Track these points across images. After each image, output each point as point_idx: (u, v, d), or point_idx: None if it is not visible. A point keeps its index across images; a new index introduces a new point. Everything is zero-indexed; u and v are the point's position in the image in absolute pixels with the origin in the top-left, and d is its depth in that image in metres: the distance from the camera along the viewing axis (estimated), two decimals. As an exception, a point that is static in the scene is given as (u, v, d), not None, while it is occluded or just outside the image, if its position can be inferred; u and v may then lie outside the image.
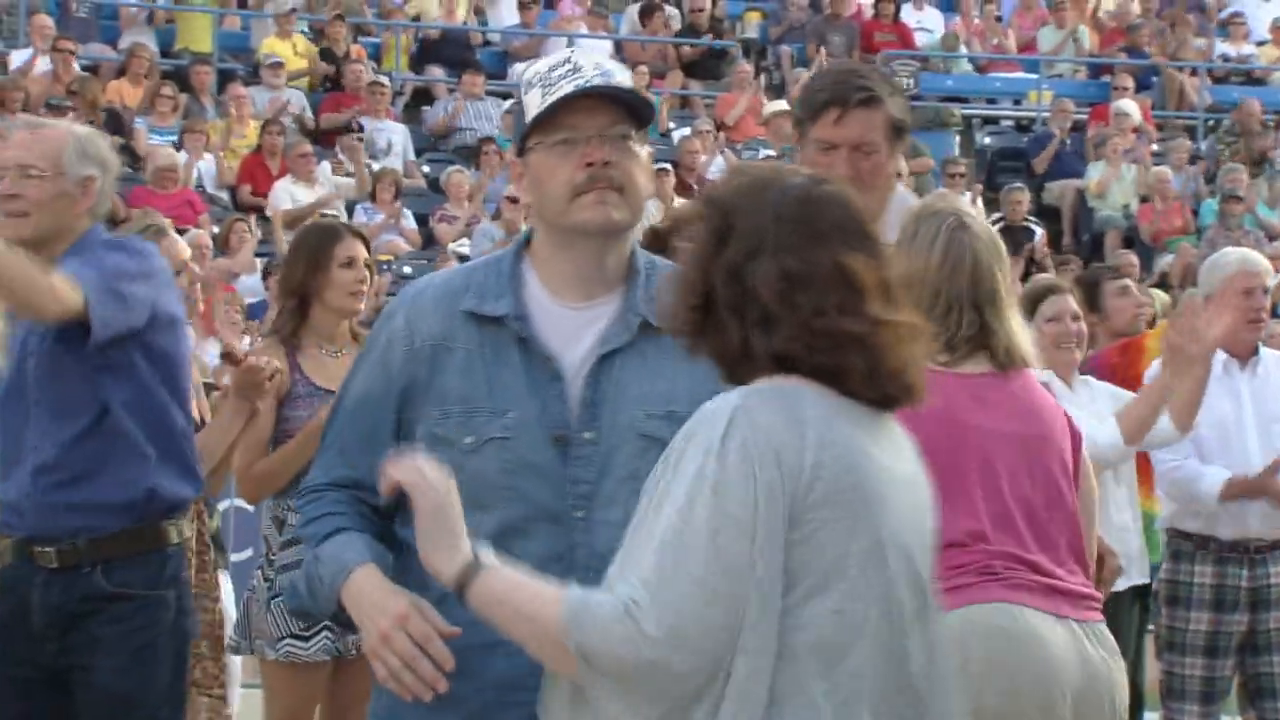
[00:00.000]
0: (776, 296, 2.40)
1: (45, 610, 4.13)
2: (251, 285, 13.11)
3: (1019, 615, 3.60)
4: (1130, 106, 17.17)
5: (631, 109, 2.92)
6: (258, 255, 13.43)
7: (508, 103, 16.66)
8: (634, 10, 18.27)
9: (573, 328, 2.90)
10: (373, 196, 14.56)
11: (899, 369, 2.44)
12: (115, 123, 14.92)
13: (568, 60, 2.94)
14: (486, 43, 18.18)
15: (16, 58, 15.61)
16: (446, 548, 2.49)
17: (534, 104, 2.91)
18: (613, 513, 2.77)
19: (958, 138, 17.73)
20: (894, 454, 2.49)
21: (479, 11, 18.41)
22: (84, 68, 15.69)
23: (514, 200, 14.26)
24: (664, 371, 2.88)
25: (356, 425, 2.95)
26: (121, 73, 15.83)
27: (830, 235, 2.43)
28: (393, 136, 15.88)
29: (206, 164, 14.89)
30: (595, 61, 2.95)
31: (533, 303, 2.92)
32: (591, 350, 2.89)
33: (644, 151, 2.94)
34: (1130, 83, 17.71)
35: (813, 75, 4.19)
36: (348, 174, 14.83)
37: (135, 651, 4.14)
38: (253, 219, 13.98)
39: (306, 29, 17.08)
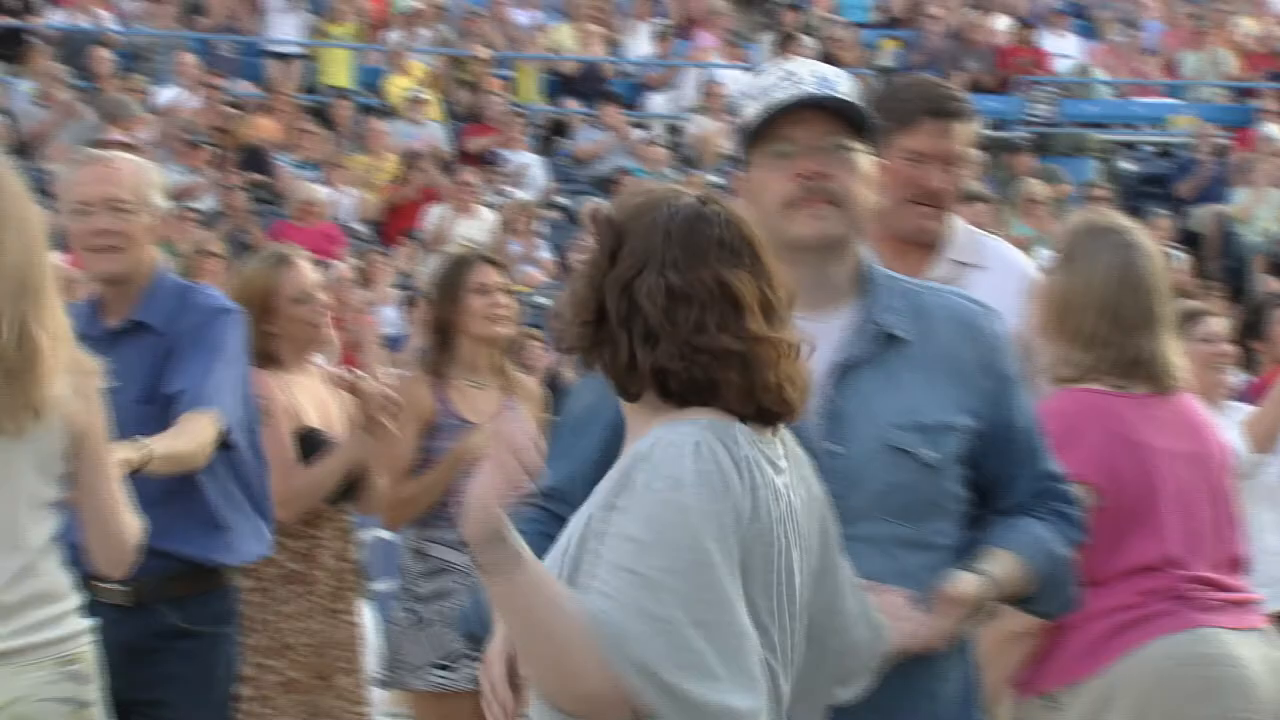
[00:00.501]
0: (660, 312, 2.42)
1: (115, 647, 3.99)
2: (390, 317, 13.24)
3: (1214, 638, 3.62)
4: (1276, 130, 16.89)
5: (851, 119, 2.86)
6: (397, 287, 13.56)
7: (641, 134, 16.72)
8: (770, 40, 18.26)
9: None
10: (509, 227, 14.65)
11: (776, 384, 2.44)
12: (257, 158, 15.15)
13: (786, 70, 2.89)
14: (622, 74, 18.25)
15: (163, 95, 15.89)
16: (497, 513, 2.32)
17: (751, 116, 2.86)
18: (864, 528, 2.72)
19: (1096, 163, 17.53)
20: (793, 473, 2.49)
21: (613, 44, 18.49)
22: (226, 104, 15.93)
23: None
24: (906, 383, 2.81)
25: (569, 438, 2.89)
26: (264, 109, 16.06)
27: (714, 252, 2.44)
28: (529, 167, 15.98)
29: (347, 198, 15.07)
30: (814, 70, 2.89)
31: None
32: (828, 362, 2.78)
33: (865, 162, 2.87)
34: (1278, 106, 17.42)
35: (890, 84, 4.07)
36: (488, 204, 14.94)
37: (207, 687, 4.13)
38: (393, 252, 14.11)
39: (433, 60, 17.21)
